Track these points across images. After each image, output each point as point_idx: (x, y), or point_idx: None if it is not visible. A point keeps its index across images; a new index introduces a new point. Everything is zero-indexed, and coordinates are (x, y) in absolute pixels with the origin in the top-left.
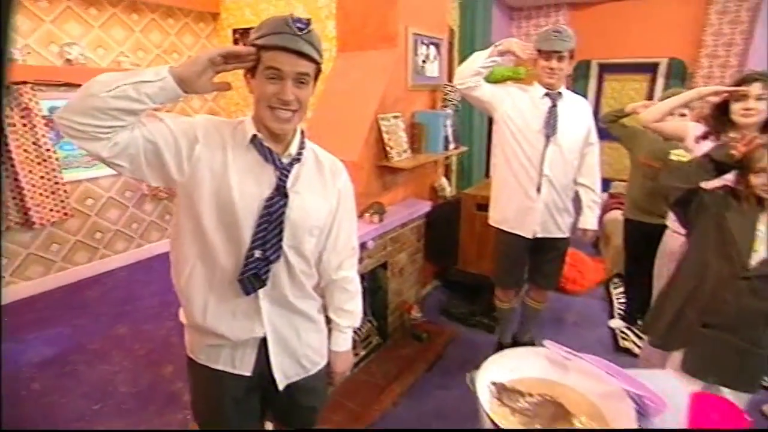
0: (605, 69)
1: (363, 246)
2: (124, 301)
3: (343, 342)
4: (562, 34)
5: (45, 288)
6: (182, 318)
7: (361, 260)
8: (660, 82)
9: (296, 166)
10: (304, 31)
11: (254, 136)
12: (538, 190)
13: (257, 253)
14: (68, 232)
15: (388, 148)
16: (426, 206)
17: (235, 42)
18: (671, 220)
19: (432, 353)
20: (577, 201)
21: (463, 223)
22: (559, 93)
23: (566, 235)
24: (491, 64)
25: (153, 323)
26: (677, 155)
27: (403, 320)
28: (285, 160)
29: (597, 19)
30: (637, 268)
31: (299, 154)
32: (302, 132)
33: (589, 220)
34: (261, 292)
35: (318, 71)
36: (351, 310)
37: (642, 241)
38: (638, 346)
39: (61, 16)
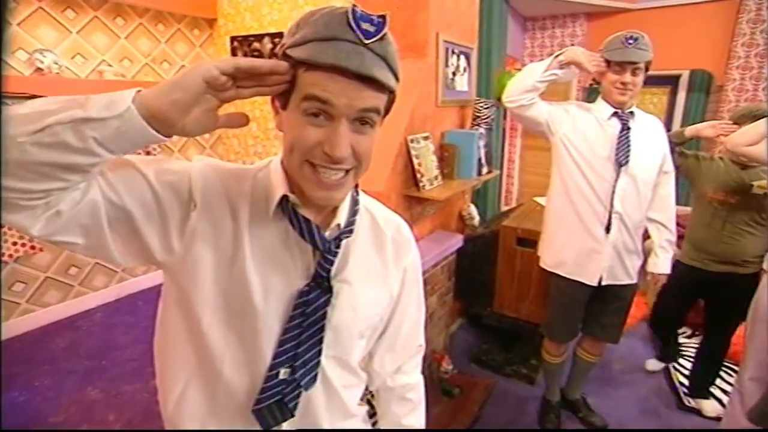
0: None
1: None
2: (100, 351)
3: None
4: (638, 42)
5: (7, 335)
6: None
7: None
8: (681, 95)
9: (345, 242)
10: (374, 38)
11: (284, 198)
12: (607, 229)
13: (282, 373)
14: (36, 268)
15: (419, 175)
16: (458, 240)
17: (233, 53)
18: None
19: (467, 413)
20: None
21: (500, 260)
22: (631, 112)
23: (634, 281)
24: (550, 79)
25: (133, 382)
26: (762, 187)
27: (431, 371)
28: (329, 234)
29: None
30: (676, 318)
31: (350, 222)
32: (356, 186)
33: (662, 264)
34: (286, 423)
35: (391, 101)
36: (412, 425)
37: (698, 291)
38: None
39: (31, 18)
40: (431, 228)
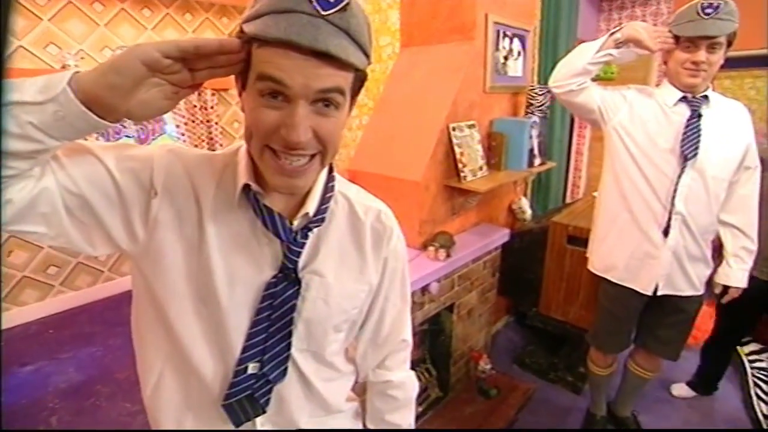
0: None
1: (425, 289)
2: None
3: None
4: (718, 11)
5: (92, 298)
6: None
7: (422, 305)
8: None
9: (316, 231)
10: (333, 8)
11: (246, 187)
12: (666, 232)
13: (251, 368)
14: None
15: (460, 165)
16: (503, 235)
17: None
18: None
19: (502, 417)
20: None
21: (549, 259)
22: (705, 97)
23: (700, 292)
24: (603, 60)
25: None
26: None
27: (468, 369)
28: (297, 223)
29: None
30: (735, 339)
31: (321, 210)
32: (330, 168)
33: (736, 275)
34: (260, 418)
35: (361, 80)
36: (397, 423)
37: (764, 306)
38: None
39: (115, 19)
40: (476, 221)
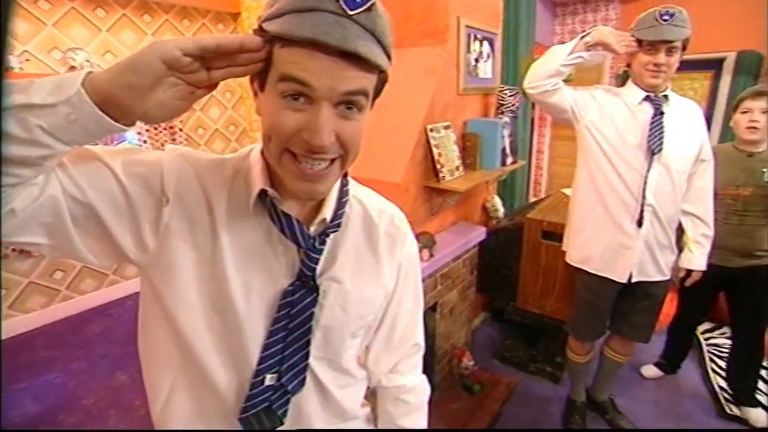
0: None
1: None
2: (130, 338)
3: None
4: (674, 18)
5: (47, 320)
6: None
7: None
8: (726, 79)
9: (332, 237)
10: (360, 8)
11: (263, 192)
12: (639, 223)
13: (269, 379)
14: None
15: (438, 166)
16: (480, 233)
17: None
18: None
19: (487, 411)
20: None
21: (524, 254)
22: (665, 96)
23: (667, 277)
24: (575, 62)
25: None
26: None
27: (451, 367)
28: (314, 229)
29: None
30: (696, 320)
31: (338, 215)
32: (345, 175)
33: (696, 260)
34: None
35: (383, 82)
36: (409, 428)
37: (718, 288)
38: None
39: (65, 18)
40: (453, 220)
